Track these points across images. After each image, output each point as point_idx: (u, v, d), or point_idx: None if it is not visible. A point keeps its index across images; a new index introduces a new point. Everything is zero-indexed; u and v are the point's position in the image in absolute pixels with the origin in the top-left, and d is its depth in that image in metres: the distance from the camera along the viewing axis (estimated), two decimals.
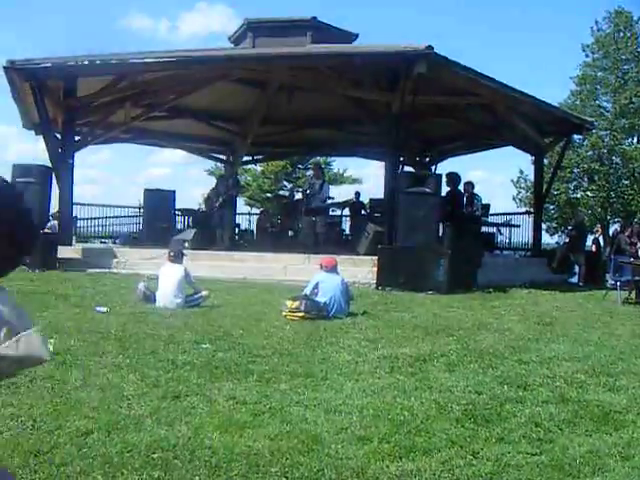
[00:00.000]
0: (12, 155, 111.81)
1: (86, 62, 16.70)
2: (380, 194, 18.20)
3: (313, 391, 5.75)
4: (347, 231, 22.95)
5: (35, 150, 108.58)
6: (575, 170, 41.48)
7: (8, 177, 15.80)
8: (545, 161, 24.81)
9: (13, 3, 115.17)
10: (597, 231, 26.57)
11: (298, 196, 23.72)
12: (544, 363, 7.20)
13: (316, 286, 10.24)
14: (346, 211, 23.54)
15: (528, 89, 17.37)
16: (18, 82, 17.22)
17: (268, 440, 4.49)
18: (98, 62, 16.77)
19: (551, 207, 40.86)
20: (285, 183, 52.91)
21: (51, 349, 6.33)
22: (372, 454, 4.33)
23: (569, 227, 28.53)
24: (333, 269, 10.65)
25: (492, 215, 22.33)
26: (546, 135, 21.23)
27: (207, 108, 23.03)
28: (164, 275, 10.84)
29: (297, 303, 9.85)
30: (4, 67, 16.57)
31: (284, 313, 9.88)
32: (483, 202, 19.71)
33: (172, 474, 3.97)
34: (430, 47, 14.28)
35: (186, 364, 6.53)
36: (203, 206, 20.50)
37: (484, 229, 20.34)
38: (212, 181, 22.43)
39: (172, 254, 11.26)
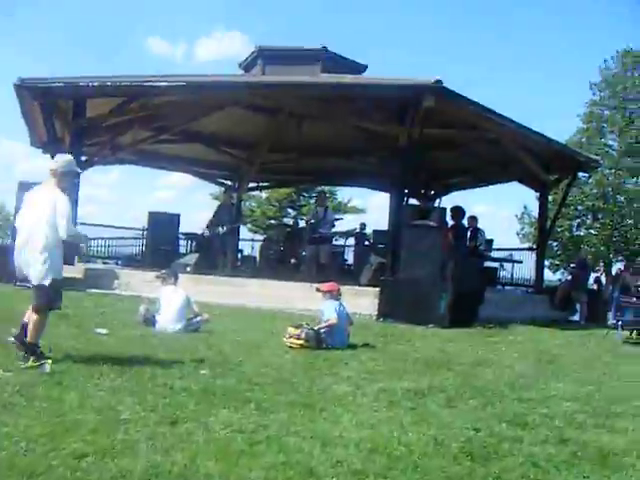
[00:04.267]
0: (19, 172, 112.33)
1: (96, 83, 16.80)
2: (384, 225, 18.19)
3: (311, 422, 5.72)
4: (350, 261, 22.94)
5: (43, 168, 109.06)
6: (579, 207, 41.52)
7: (14, 194, 15.93)
8: (550, 197, 24.80)
9: (28, 19, 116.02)
10: (599, 269, 26.58)
11: (302, 224, 23.74)
12: (544, 402, 7.16)
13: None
14: (349, 241, 23.55)
15: (535, 125, 17.43)
16: (28, 100, 17.36)
17: (264, 470, 4.45)
18: (109, 84, 16.85)
19: (554, 244, 40.84)
20: (289, 211, 53.01)
21: (48, 369, 6.34)
22: None
23: (572, 264, 28.52)
24: (339, 295, 10.63)
25: (495, 250, 22.31)
26: (552, 172, 21.22)
27: (216, 133, 23.11)
28: (165, 298, 10.83)
29: (298, 331, 9.83)
30: (15, 85, 16.71)
31: (284, 339, 9.86)
32: (487, 237, 19.72)
33: None
34: (439, 81, 14.35)
35: (184, 389, 6.50)
36: (207, 231, 20.52)
37: (487, 264, 20.31)
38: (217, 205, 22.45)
39: (165, 276, 11.28)
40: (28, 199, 7.66)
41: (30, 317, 7.44)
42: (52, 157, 16.99)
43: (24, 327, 7.48)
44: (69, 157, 8.27)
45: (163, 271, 11.42)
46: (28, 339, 7.30)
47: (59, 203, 7.28)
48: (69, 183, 7.87)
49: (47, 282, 7.29)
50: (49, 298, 7.41)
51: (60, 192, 7.43)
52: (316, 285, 11.46)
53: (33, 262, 7.29)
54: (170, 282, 11.12)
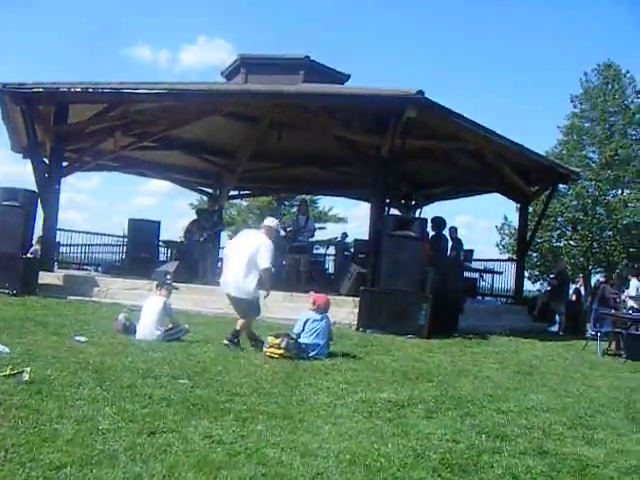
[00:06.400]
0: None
1: (78, 89, 16.78)
2: (365, 234, 18.22)
3: (290, 433, 5.70)
4: (330, 270, 22.94)
5: (23, 173, 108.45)
6: (559, 219, 41.76)
7: None
8: (530, 209, 24.97)
9: (15, 19, 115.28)
10: (578, 281, 26.70)
11: (282, 233, 23.74)
12: (522, 413, 7.18)
13: (304, 325, 10.16)
14: (330, 250, 23.53)
15: (516, 137, 17.50)
16: (9, 105, 17.30)
17: None
18: (90, 90, 16.82)
19: (534, 255, 41.05)
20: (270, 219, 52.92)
21: (27, 378, 6.30)
22: None
23: (551, 275, 28.65)
24: (324, 309, 10.52)
25: (475, 260, 22.40)
26: (532, 183, 21.36)
27: (197, 140, 23.11)
28: (146, 307, 10.80)
29: (278, 340, 9.79)
30: None
31: (264, 349, 9.84)
32: (467, 247, 19.80)
33: None
34: (421, 92, 14.38)
35: (163, 399, 6.46)
36: (183, 238, 20.58)
37: (467, 274, 20.37)
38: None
39: (158, 286, 11.30)
40: (239, 239, 10.94)
41: (241, 323, 10.53)
42: (32, 163, 17.16)
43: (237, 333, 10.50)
44: (277, 221, 11.42)
45: (158, 285, 11.49)
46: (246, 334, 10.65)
47: (264, 247, 10.29)
48: (275, 238, 10.93)
49: (255, 296, 10.43)
50: (257, 309, 10.72)
51: (267, 239, 10.47)
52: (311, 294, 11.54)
53: (243, 284, 10.27)
54: (164, 294, 11.12)
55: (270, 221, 11.03)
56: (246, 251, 10.35)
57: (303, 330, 10.11)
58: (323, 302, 10.60)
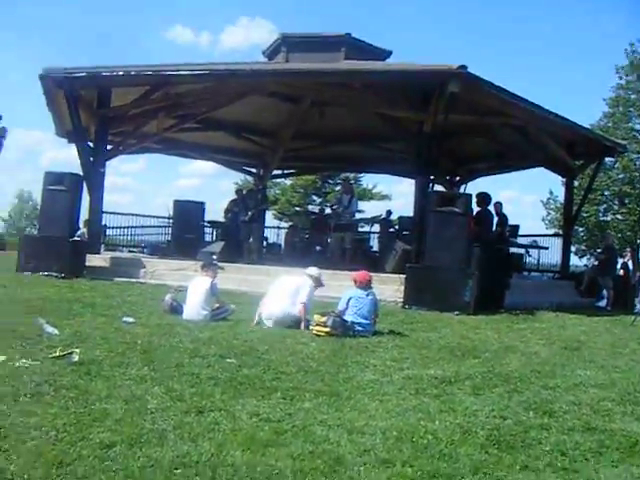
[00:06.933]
0: (46, 161, 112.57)
1: (120, 73, 16.87)
2: (410, 211, 18.12)
3: (337, 411, 5.71)
4: (375, 248, 22.90)
5: (68, 157, 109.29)
6: (606, 192, 40.97)
7: (40, 184, 16.04)
8: (576, 183, 24.64)
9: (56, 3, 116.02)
10: (626, 255, 26.32)
11: (327, 211, 23.74)
12: (570, 389, 7.11)
13: (347, 302, 10.18)
14: (375, 228, 23.48)
15: (560, 111, 17.27)
16: (53, 91, 17.46)
17: (291, 460, 4.44)
18: (132, 73, 16.92)
19: (580, 229, 40.44)
20: (314, 197, 52.99)
21: (76, 359, 6.37)
22: (395, 478, 4.28)
23: (598, 250, 28.30)
24: (366, 285, 10.55)
25: (521, 236, 22.20)
26: (578, 157, 21.11)
27: (239, 121, 23.12)
28: (192, 287, 10.86)
29: (324, 318, 9.80)
30: (40, 76, 16.80)
31: (310, 327, 9.88)
32: (512, 223, 19.61)
33: None
34: (463, 66, 14.25)
35: (210, 379, 6.51)
36: (224, 218, 20.72)
37: (513, 250, 20.20)
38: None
39: (203, 267, 11.36)
40: (282, 280, 11.09)
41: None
42: (77, 147, 17.29)
43: None
44: (319, 271, 11.40)
45: (203, 265, 11.58)
46: None
47: (303, 289, 10.67)
48: (317, 287, 10.99)
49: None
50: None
51: (309, 284, 10.78)
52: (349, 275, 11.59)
53: (288, 311, 10.53)
54: (209, 274, 11.18)
55: (316, 272, 11.26)
56: (289, 287, 10.80)
57: (347, 307, 10.14)
58: (363, 278, 10.61)
